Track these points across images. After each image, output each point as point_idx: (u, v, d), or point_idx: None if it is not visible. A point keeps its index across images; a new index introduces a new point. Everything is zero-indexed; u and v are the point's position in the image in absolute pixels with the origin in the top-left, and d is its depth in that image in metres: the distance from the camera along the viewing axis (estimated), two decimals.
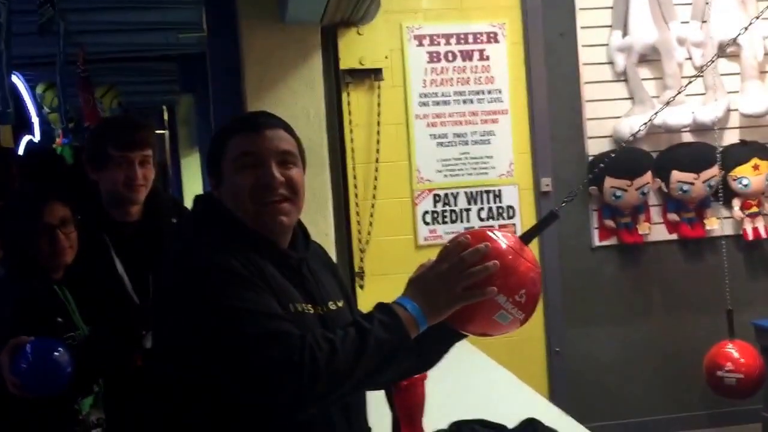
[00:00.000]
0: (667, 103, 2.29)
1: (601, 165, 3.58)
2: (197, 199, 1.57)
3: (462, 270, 1.34)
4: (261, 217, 1.43)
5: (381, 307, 1.36)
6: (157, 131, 9.95)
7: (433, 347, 1.52)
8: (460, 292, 1.34)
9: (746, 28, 2.20)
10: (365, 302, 1.78)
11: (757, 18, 2.44)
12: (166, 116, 9.82)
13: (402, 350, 1.33)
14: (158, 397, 1.45)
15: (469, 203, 4.08)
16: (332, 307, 1.50)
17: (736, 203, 4.23)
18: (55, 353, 1.82)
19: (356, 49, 3.97)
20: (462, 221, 4.06)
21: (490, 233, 1.41)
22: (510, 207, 4.10)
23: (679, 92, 2.10)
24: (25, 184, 2.20)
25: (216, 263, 1.35)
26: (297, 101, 3.53)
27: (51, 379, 1.81)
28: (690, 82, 2.25)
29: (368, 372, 1.31)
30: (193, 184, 8.44)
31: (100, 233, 2.14)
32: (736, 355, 3.64)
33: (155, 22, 5.62)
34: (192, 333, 1.33)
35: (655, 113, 2.00)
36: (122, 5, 5.27)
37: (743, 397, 3.69)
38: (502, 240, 1.39)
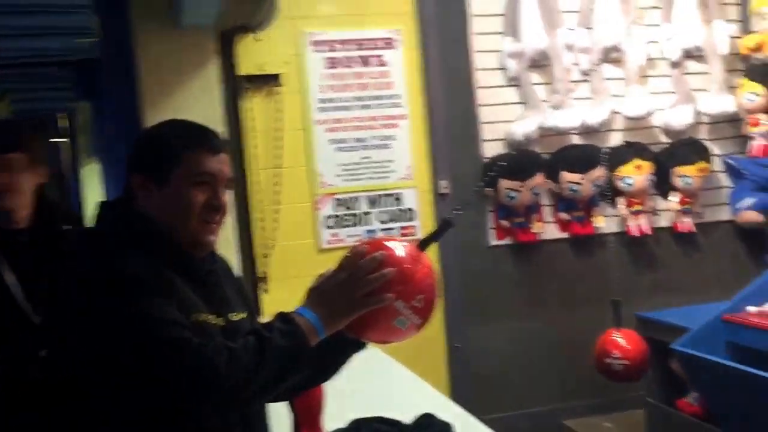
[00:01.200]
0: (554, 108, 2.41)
1: (491, 173, 3.71)
2: (104, 205, 1.55)
3: (360, 278, 1.37)
4: (198, 235, 1.45)
5: (281, 316, 1.38)
6: (55, 139, 9.57)
7: (331, 358, 1.54)
8: (358, 300, 1.37)
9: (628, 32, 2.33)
10: (270, 307, 1.81)
11: (633, 22, 2.57)
12: (67, 124, 9.48)
13: (301, 358, 1.35)
14: (59, 409, 1.43)
15: (370, 207, 4.14)
16: (234, 318, 1.51)
17: (621, 202, 4.43)
18: None
19: (255, 54, 3.95)
20: (363, 225, 4.12)
21: (387, 242, 1.45)
22: (410, 209, 4.19)
23: (564, 94, 2.21)
24: None
25: (122, 271, 1.35)
26: (194, 107, 3.49)
27: None
28: (570, 89, 2.36)
29: (268, 379, 1.33)
30: (92, 194, 8.17)
31: None
32: (623, 342, 3.81)
33: (45, 27, 5.42)
34: (98, 344, 1.33)
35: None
36: (5, 10, 5.06)
37: (630, 381, 3.89)
38: (399, 248, 1.44)
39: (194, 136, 1.49)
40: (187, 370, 1.28)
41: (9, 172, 2.09)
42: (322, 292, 1.40)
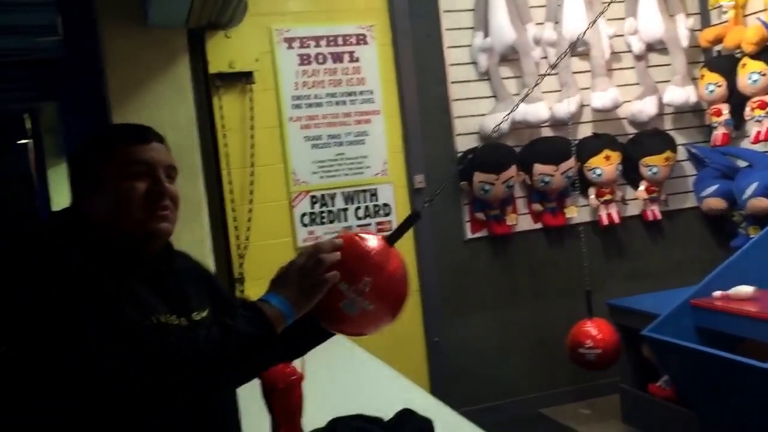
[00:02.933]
0: (523, 99, 2.44)
1: (460, 167, 3.73)
2: (53, 215, 1.54)
3: (318, 259, 1.39)
4: (146, 224, 1.43)
5: (244, 304, 1.40)
6: (20, 141, 9.40)
7: (301, 344, 1.57)
8: (318, 280, 1.39)
9: (593, 23, 2.37)
10: None
11: (598, 17, 2.62)
12: (28, 125, 9.31)
13: (267, 343, 1.36)
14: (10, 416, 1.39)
15: (346, 203, 4.14)
16: (196, 317, 1.50)
17: (592, 192, 4.51)
18: None
19: (225, 52, 3.92)
20: (340, 221, 4.12)
21: (357, 236, 1.46)
22: (386, 205, 4.20)
23: (535, 85, 2.24)
24: None
25: (72, 274, 1.33)
26: (164, 106, 3.44)
27: None
28: (539, 80, 2.39)
29: (231, 366, 1.34)
30: (61, 196, 8.04)
31: None
32: (594, 332, 3.86)
33: (8, 26, 5.32)
34: (50, 346, 1.29)
35: (511, 110, 2.12)
36: None
37: (602, 370, 3.95)
38: (369, 240, 1.45)
39: (120, 132, 1.50)
40: (146, 355, 1.27)
41: None
42: (284, 278, 1.41)
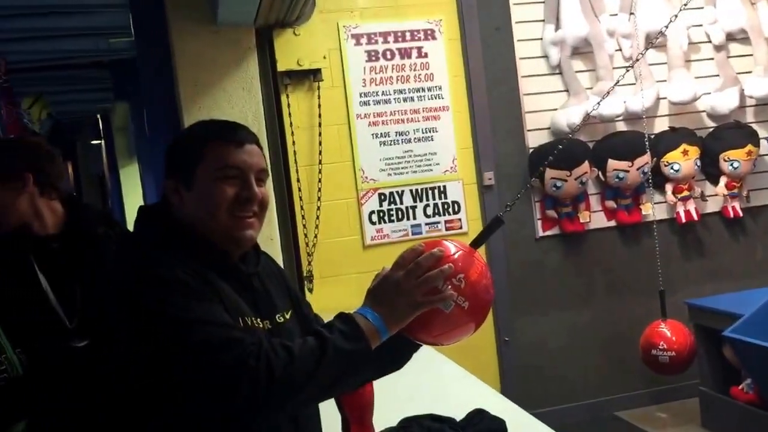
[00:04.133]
0: (604, 97, 2.35)
1: (545, 163, 3.63)
2: (143, 210, 1.53)
3: (418, 276, 1.35)
4: (231, 230, 1.42)
5: (341, 316, 1.35)
6: (93, 142, 9.68)
7: (394, 357, 1.52)
8: (420, 298, 1.34)
9: (675, 17, 2.27)
10: (315, 305, 1.78)
11: (682, 9, 2.53)
12: (100, 125, 9.58)
13: (363, 360, 1.32)
14: (106, 412, 1.42)
15: (415, 201, 4.10)
16: (280, 320, 1.49)
17: (669, 188, 4.36)
18: None
19: (294, 50, 3.93)
20: (408, 219, 4.08)
21: (443, 241, 1.44)
22: (455, 202, 4.14)
23: (616, 83, 2.15)
24: None
25: (165, 275, 1.32)
26: (234, 105, 3.47)
27: None
28: (623, 74, 2.30)
29: (327, 382, 1.30)
30: (133, 194, 8.23)
31: (20, 248, 2.05)
32: (668, 334, 3.77)
33: (81, 28, 5.46)
34: (146, 346, 1.30)
35: (597, 104, 2.03)
36: (43, 11, 5.09)
37: (676, 373, 3.84)
38: (454, 246, 1.43)
39: (214, 130, 1.46)
40: (242, 368, 1.24)
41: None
42: (382, 293, 1.36)
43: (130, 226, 2.35)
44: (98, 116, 9.42)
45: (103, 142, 9.70)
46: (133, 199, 8.14)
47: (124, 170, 8.62)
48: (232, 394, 1.24)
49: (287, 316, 1.52)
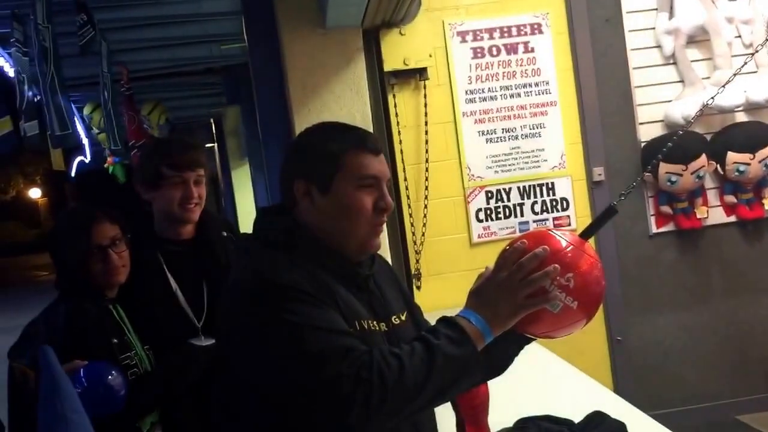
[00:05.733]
0: (724, 85, 2.25)
1: (659, 156, 3.50)
2: (265, 211, 1.54)
3: (522, 277, 1.32)
4: (366, 238, 1.44)
5: (445, 321, 1.34)
6: (207, 145, 10.06)
7: (502, 353, 1.51)
8: (522, 301, 1.32)
9: None
10: (423, 303, 1.78)
11: None
12: (213, 129, 9.93)
13: (472, 365, 1.31)
14: (222, 413, 1.44)
15: (522, 198, 4.04)
16: (396, 321, 1.49)
17: None
18: (109, 377, 1.83)
19: (399, 49, 3.96)
20: (516, 216, 4.04)
21: (550, 232, 1.40)
22: (564, 199, 4.06)
23: (736, 73, 2.06)
24: (75, 204, 2.24)
25: (279, 280, 1.33)
26: (342, 106, 3.53)
27: (106, 404, 1.81)
28: (747, 61, 2.19)
29: (438, 388, 1.29)
30: (244, 196, 8.49)
31: (152, 251, 2.16)
32: None
33: (196, 36, 5.69)
34: (259, 351, 1.31)
35: (713, 96, 1.95)
36: (162, 21, 5.34)
37: None
38: (563, 238, 1.38)
39: (353, 138, 1.46)
40: (356, 379, 1.23)
41: (200, 187, 2.20)
42: (485, 295, 1.35)
43: (242, 226, 2.47)
44: (211, 120, 9.79)
45: (216, 144, 10.06)
46: (244, 199, 8.39)
47: (236, 172, 8.90)
48: (344, 406, 1.23)
49: (402, 318, 1.52)
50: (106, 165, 8.21)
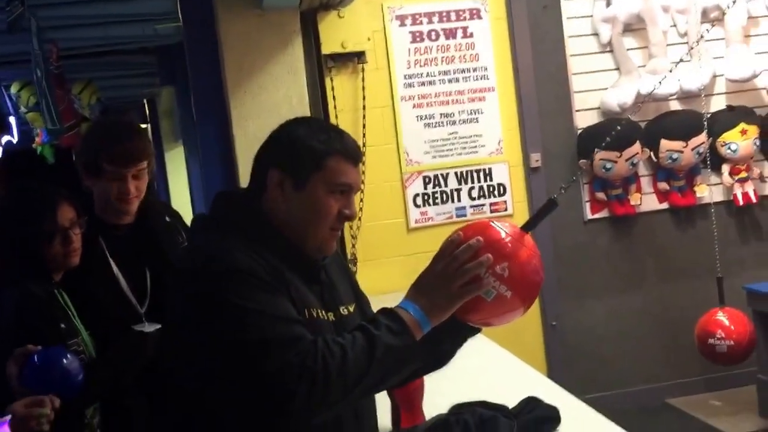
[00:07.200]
0: (662, 79, 2.26)
1: (603, 144, 3.52)
2: (222, 196, 1.54)
3: (457, 268, 1.35)
4: (323, 242, 1.46)
5: (385, 312, 1.37)
6: (141, 125, 9.81)
7: (448, 346, 1.55)
8: (457, 290, 1.35)
9: None
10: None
11: None
12: (147, 110, 9.71)
13: (410, 355, 1.34)
14: (162, 397, 1.44)
15: (460, 183, 4.05)
16: (344, 312, 1.51)
17: (725, 169, 4.23)
18: (65, 361, 1.77)
19: (338, 32, 3.90)
20: (453, 201, 4.04)
21: (491, 224, 1.43)
22: (501, 185, 4.08)
23: (678, 63, 2.06)
24: (19, 184, 2.14)
25: (235, 264, 1.34)
26: (279, 88, 3.48)
27: (62, 389, 1.75)
28: (687, 52, 2.21)
29: (378, 377, 1.32)
30: (177, 178, 8.35)
31: (94, 235, 2.10)
32: (726, 322, 3.66)
33: (130, 14, 5.52)
34: (206, 334, 1.32)
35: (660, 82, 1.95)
36: None
37: (735, 363, 3.74)
38: (502, 229, 1.41)
39: (339, 143, 1.46)
40: (302, 368, 1.25)
41: (140, 180, 2.13)
42: (423, 286, 1.38)
43: (175, 208, 2.41)
44: (144, 101, 9.57)
45: (149, 126, 9.84)
46: (177, 181, 8.24)
47: (170, 153, 8.73)
48: (289, 394, 1.25)
49: (351, 309, 1.54)
50: (34, 145, 7.94)
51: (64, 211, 1.97)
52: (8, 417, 1.68)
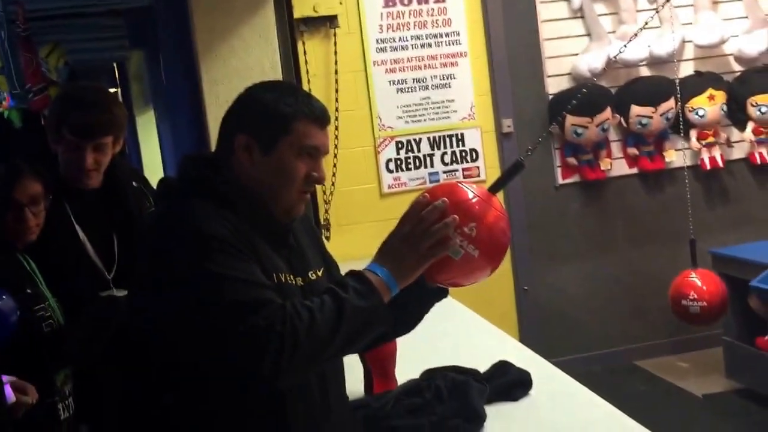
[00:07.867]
0: (629, 41, 2.27)
1: (569, 107, 3.55)
2: (188, 160, 1.51)
3: (423, 230, 1.36)
4: (293, 204, 1.46)
5: (353, 274, 1.37)
6: (109, 90, 9.63)
7: (415, 309, 1.54)
8: (424, 251, 1.36)
9: None
10: (332, 254, 1.76)
11: None
12: (116, 73, 9.54)
13: (378, 317, 1.34)
14: (132, 364, 1.44)
15: (432, 148, 4.05)
16: (312, 277, 1.51)
17: (693, 134, 4.27)
18: None
19: None
20: (426, 167, 4.05)
21: (459, 185, 1.43)
22: (473, 150, 4.09)
23: (642, 28, 2.08)
24: None
25: (204, 229, 1.33)
26: (251, 53, 3.43)
27: None
28: (651, 17, 2.22)
29: (346, 339, 1.32)
30: (148, 142, 8.26)
31: (59, 200, 2.07)
32: (699, 283, 3.71)
33: None
34: (175, 300, 1.31)
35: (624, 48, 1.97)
36: None
37: (708, 324, 3.81)
38: (470, 190, 1.42)
39: (306, 106, 1.45)
40: (270, 332, 1.25)
41: (100, 152, 2.08)
42: (390, 248, 1.39)
43: (147, 172, 2.39)
44: (114, 64, 9.39)
45: (119, 90, 9.67)
46: (149, 146, 8.15)
47: (140, 118, 8.61)
48: (257, 357, 1.25)
49: (319, 274, 1.54)
50: (0, 110, 7.76)
51: (24, 186, 1.94)
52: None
